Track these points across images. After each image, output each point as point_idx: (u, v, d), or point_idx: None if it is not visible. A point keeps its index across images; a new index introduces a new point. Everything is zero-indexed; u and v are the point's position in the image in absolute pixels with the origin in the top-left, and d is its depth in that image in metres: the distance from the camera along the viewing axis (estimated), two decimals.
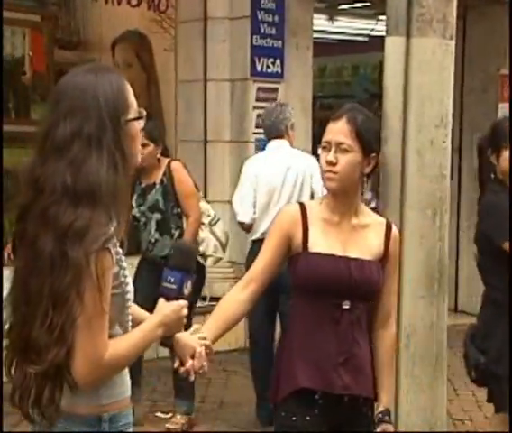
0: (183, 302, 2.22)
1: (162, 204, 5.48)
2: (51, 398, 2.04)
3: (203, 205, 5.78)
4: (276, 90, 7.64)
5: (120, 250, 2.10)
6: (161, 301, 2.22)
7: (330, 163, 2.81)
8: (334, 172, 2.81)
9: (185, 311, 2.22)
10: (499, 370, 4.04)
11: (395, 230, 3.00)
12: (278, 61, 7.62)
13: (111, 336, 2.08)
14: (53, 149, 2.05)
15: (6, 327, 2.13)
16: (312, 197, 5.37)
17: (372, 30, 12.22)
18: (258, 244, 4.65)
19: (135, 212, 5.47)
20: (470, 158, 9.49)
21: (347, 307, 2.84)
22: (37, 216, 2.05)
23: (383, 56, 4.96)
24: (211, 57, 7.71)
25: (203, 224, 5.60)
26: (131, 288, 2.16)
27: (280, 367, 2.95)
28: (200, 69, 7.77)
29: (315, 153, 7.85)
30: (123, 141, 2.10)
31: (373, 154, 2.89)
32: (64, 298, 1.96)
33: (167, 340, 2.30)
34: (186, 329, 2.47)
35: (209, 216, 5.78)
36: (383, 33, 5.12)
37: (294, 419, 2.84)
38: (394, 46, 4.86)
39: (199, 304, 7.31)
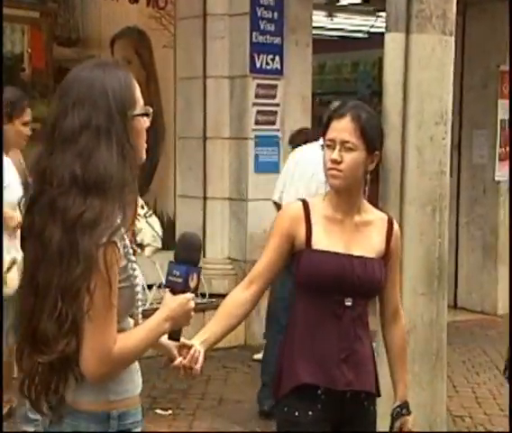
0: (189, 295, 2.19)
1: None
2: (56, 389, 2.05)
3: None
4: (275, 87, 7.63)
5: (128, 243, 2.09)
6: (168, 295, 2.19)
7: (335, 161, 2.80)
8: (339, 170, 2.80)
9: (192, 304, 2.19)
10: None
11: (396, 226, 3.00)
12: (277, 58, 7.61)
13: (122, 330, 2.08)
14: (61, 140, 2.05)
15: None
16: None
17: (372, 26, 12.21)
18: None
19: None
20: (469, 154, 9.50)
21: (349, 304, 2.84)
22: (45, 208, 2.04)
23: (383, 53, 4.96)
24: (210, 54, 7.70)
25: (139, 215, 5.55)
26: (140, 281, 2.16)
27: (283, 363, 2.95)
28: (199, 65, 7.76)
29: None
30: (130, 133, 2.10)
31: (376, 152, 2.89)
32: (73, 290, 1.96)
33: (174, 334, 2.28)
34: None
35: (143, 208, 5.76)
36: (383, 30, 5.12)
37: (296, 414, 2.84)
38: (394, 42, 4.86)
39: (199, 300, 7.34)
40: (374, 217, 2.98)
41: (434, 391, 4.84)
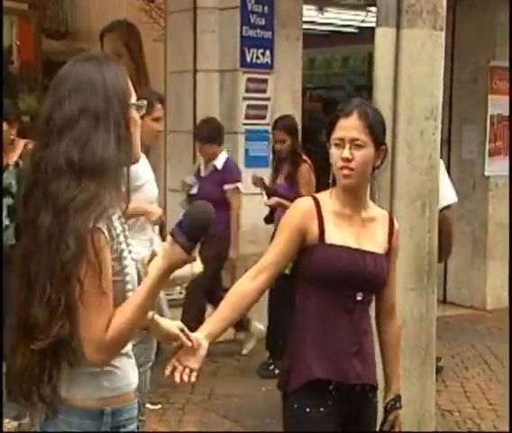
0: (194, 255, 2.07)
1: (16, 188, 5.05)
2: (50, 376, 2.04)
3: None
4: (265, 81, 7.63)
5: (120, 230, 2.08)
6: (169, 245, 2.05)
7: (346, 160, 2.82)
8: (351, 169, 2.82)
9: (196, 258, 2.09)
10: None
11: (397, 224, 3.05)
12: (267, 52, 7.61)
13: None
14: (57, 130, 2.04)
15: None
16: None
17: (362, 21, 12.22)
18: None
19: None
20: (459, 150, 9.52)
21: (360, 298, 2.88)
22: (38, 197, 2.04)
23: (373, 47, 4.96)
24: (200, 47, 7.69)
25: None
26: (132, 271, 2.12)
27: (292, 358, 2.95)
28: (190, 59, 7.75)
29: (304, 145, 7.88)
30: (128, 121, 2.11)
31: (383, 147, 2.92)
32: (64, 274, 1.94)
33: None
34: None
35: None
36: (373, 25, 5.12)
37: (308, 410, 2.84)
38: (384, 37, 4.86)
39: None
40: (376, 214, 3.02)
41: (424, 386, 4.85)
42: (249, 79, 7.53)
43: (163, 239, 4.62)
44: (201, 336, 2.60)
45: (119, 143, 2.06)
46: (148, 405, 5.57)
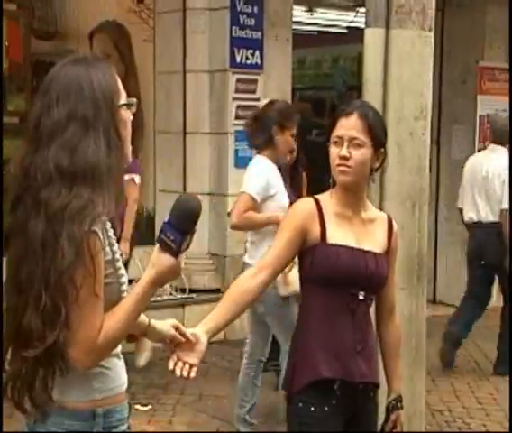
0: (180, 258, 2.09)
1: None
2: (44, 384, 2.03)
3: None
4: (255, 82, 7.63)
5: (112, 234, 2.08)
6: (157, 253, 2.08)
7: (344, 158, 2.84)
8: (348, 166, 2.84)
9: (181, 265, 2.11)
10: None
11: (395, 225, 3.06)
12: (257, 53, 7.60)
13: None
14: (46, 134, 2.03)
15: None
16: None
17: (352, 21, 12.23)
18: None
19: None
20: (448, 150, 9.55)
21: (362, 297, 2.89)
22: (28, 204, 2.02)
23: (362, 48, 4.97)
24: (190, 48, 7.68)
25: None
26: (124, 273, 2.13)
27: (296, 357, 2.96)
28: (179, 60, 7.74)
29: (297, 143, 7.88)
30: (117, 123, 2.10)
31: (382, 149, 2.94)
32: (62, 280, 1.94)
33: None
34: None
35: None
36: (362, 25, 5.12)
37: (313, 409, 2.85)
38: (373, 38, 4.87)
39: (179, 296, 7.33)
40: (376, 215, 3.05)
41: (414, 386, 4.85)
42: (238, 80, 7.53)
43: None
44: (200, 332, 2.58)
45: (109, 148, 2.05)
46: (137, 406, 5.58)
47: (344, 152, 2.84)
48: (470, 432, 5.57)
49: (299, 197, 5.95)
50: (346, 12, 12.01)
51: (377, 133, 2.89)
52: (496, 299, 9.37)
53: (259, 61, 7.63)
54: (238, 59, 7.50)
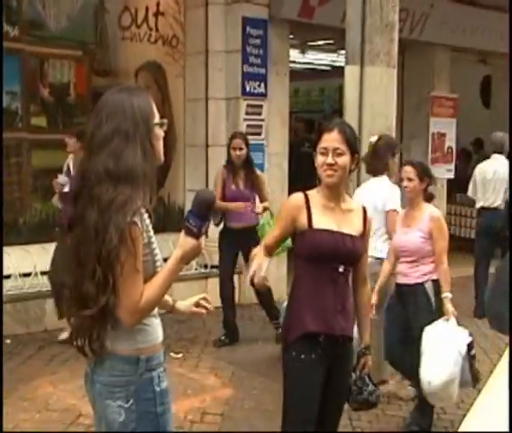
0: (200, 240, 2.10)
1: None
2: (98, 335, 2.05)
3: None
4: (261, 106, 7.60)
5: (148, 222, 2.07)
6: (183, 237, 2.08)
7: (330, 164, 2.83)
8: (334, 170, 2.84)
9: (202, 245, 2.12)
10: None
11: (369, 214, 3.04)
12: (262, 84, 7.57)
13: None
14: (97, 145, 2.03)
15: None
16: None
17: (334, 61, 12.19)
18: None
19: None
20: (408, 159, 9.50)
21: (342, 270, 2.88)
22: (85, 198, 2.03)
23: (343, 81, 4.93)
24: (211, 81, 7.65)
25: None
26: (159, 252, 2.12)
27: (290, 317, 2.96)
28: (203, 90, 7.71)
29: (291, 155, 7.83)
30: (152, 138, 2.09)
31: (356, 155, 2.93)
32: (110, 258, 1.94)
33: None
34: None
35: None
36: (343, 63, 5.09)
37: (303, 356, 2.84)
38: (351, 73, 4.85)
39: (202, 270, 7.32)
40: (353, 206, 3.02)
41: (381, 338, 4.82)
42: (248, 105, 7.49)
43: None
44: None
45: (145, 156, 2.04)
46: (172, 354, 5.57)
47: (330, 160, 2.83)
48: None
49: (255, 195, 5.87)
50: (330, 53, 11.98)
51: (352, 143, 2.89)
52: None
53: (263, 91, 7.59)
54: (248, 89, 7.46)
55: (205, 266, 7.32)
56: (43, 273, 6.22)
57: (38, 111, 6.98)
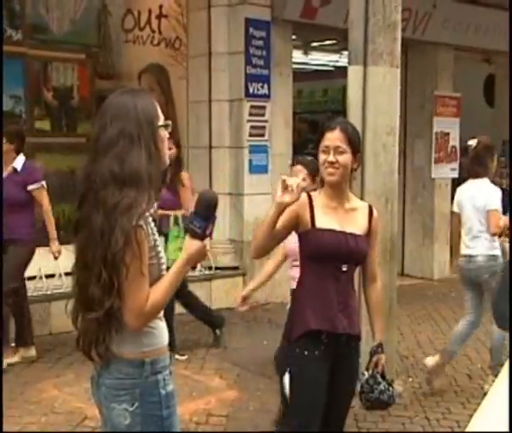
0: (205, 242, 2.11)
1: None
2: (104, 338, 2.04)
3: None
4: (264, 108, 7.59)
5: (153, 225, 2.06)
6: (188, 239, 2.09)
7: (331, 162, 2.83)
8: (336, 168, 2.83)
9: (207, 247, 2.12)
10: None
11: (375, 212, 3.03)
12: (265, 85, 7.56)
13: None
14: (102, 148, 2.02)
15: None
16: None
17: (337, 61, 12.17)
18: None
19: None
20: (412, 158, 9.49)
21: (345, 269, 2.87)
22: (90, 201, 2.02)
23: (346, 81, 4.92)
24: (214, 83, 7.65)
25: None
26: (163, 255, 2.12)
27: (293, 315, 2.96)
28: (206, 92, 7.71)
29: (294, 155, 7.80)
30: (156, 140, 2.07)
31: (358, 154, 2.93)
32: (115, 261, 1.93)
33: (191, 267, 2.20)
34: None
35: None
36: (346, 64, 5.08)
37: (306, 353, 2.84)
38: (354, 73, 4.82)
39: (206, 272, 7.31)
40: (359, 205, 3.01)
41: (388, 338, 4.80)
42: (251, 106, 7.48)
43: None
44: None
45: (150, 158, 2.02)
46: (177, 356, 5.56)
47: (332, 158, 2.83)
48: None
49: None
50: (333, 54, 11.96)
51: (354, 142, 2.89)
52: (447, 272, 9.34)
53: (267, 92, 7.59)
54: (251, 91, 7.46)
55: (210, 268, 7.33)
56: (48, 276, 6.23)
57: (41, 114, 7.00)
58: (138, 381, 2.07)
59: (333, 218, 2.88)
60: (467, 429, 1.02)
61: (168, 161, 2.17)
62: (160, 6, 7.80)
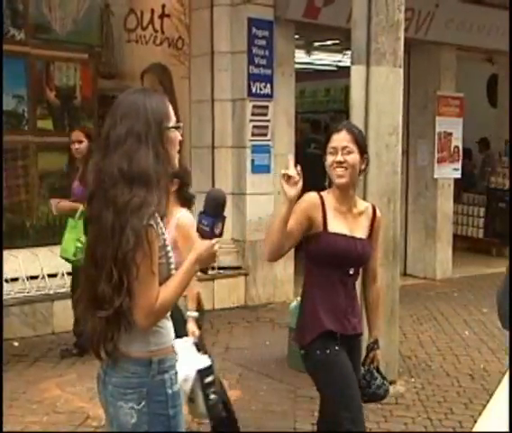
0: (214, 241, 2.13)
1: None
2: (112, 336, 2.05)
3: None
4: (267, 107, 7.59)
5: (162, 224, 2.07)
6: (197, 239, 2.11)
7: (339, 162, 2.85)
8: (345, 168, 2.85)
9: (216, 247, 2.13)
10: None
11: (378, 213, 3.05)
12: (268, 85, 7.56)
13: None
14: (112, 145, 2.03)
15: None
16: None
17: (340, 61, 12.17)
18: None
19: None
20: (414, 159, 9.48)
21: (352, 272, 2.92)
22: (100, 199, 2.03)
23: (349, 81, 4.92)
24: (217, 82, 7.65)
25: None
26: (172, 255, 2.12)
27: (305, 317, 2.97)
28: (208, 91, 7.72)
29: (297, 156, 7.78)
30: (164, 141, 2.07)
31: (365, 155, 2.95)
32: (126, 260, 1.94)
33: (202, 269, 2.18)
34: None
35: None
36: (348, 64, 5.08)
37: (328, 351, 2.87)
38: (357, 73, 4.83)
39: (209, 272, 7.30)
40: (363, 208, 3.03)
41: (390, 338, 4.83)
42: (254, 106, 7.48)
43: None
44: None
45: (157, 158, 2.03)
46: None
47: (340, 157, 2.85)
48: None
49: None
50: (336, 54, 11.96)
51: (361, 142, 2.92)
52: (449, 272, 9.34)
53: (269, 92, 7.59)
54: (253, 90, 7.46)
55: (212, 268, 7.32)
56: (50, 276, 6.24)
57: (44, 114, 7.01)
58: (145, 380, 2.08)
59: (343, 223, 2.91)
60: (474, 429, 1.02)
61: (177, 164, 2.16)
62: (163, 6, 7.81)
